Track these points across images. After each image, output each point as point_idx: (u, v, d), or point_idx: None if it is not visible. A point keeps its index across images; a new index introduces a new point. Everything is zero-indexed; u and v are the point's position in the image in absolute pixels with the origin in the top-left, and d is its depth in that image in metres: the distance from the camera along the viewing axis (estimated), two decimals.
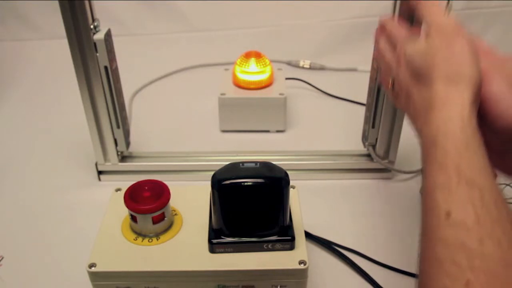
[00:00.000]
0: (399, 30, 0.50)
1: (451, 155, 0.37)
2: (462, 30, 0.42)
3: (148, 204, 0.47)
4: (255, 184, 0.44)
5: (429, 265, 0.35)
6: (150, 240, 0.48)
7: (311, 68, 1.07)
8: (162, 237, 0.48)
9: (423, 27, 0.45)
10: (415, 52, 0.44)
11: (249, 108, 0.82)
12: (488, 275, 0.32)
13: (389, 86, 0.50)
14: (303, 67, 1.07)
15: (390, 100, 0.52)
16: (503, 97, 0.40)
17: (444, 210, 0.35)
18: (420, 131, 0.42)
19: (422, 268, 0.36)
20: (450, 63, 0.41)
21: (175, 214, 0.51)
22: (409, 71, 0.45)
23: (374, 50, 0.55)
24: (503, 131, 0.41)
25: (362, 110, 0.72)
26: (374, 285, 0.55)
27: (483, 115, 0.41)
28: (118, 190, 0.55)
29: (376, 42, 0.53)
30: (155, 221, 0.48)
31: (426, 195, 0.38)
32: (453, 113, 0.39)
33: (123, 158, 0.72)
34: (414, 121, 0.44)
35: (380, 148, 0.70)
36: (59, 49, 0.78)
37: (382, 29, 0.53)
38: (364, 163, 0.72)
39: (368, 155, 0.72)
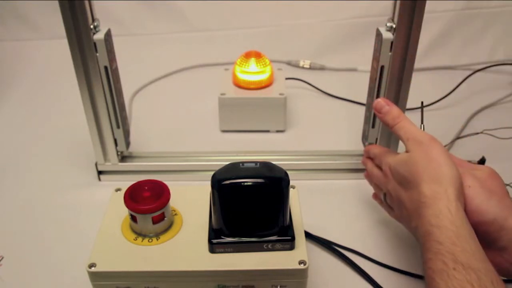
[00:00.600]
0: (381, 150, 0.59)
1: (445, 245, 0.41)
2: (436, 140, 0.50)
3: (148, 204, 0.47)
4: (255, 184, 0.44)
5: None
6: (150, 240, 0.48)
7: (311, 68, 1.07)
8: (162, 237, 0.48)
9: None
10: (399, 163, 0.51)
11: (249, 108, 0.82)
12: None
13: (382, 200, 0.57)
14: (303, 67, 1.07)
15: (387, 213, 0.59)
16: (477, 194, 0.47)
17: None
18: (415, 229, 0.47)
19: None
20: (431, 167, 0.47)
21: (175, 214, 0.51)
22: (397, 180, 0.52)
23: (364, 171, 0.63)
24: (477, 224, 0.46)
25: (362, 110, 0.72)
26: (374, 285, 0.55)
27: None
28: (118, 190, 0.55)
29: (364, 165, 0.62)
30: (155, 221, 0.48)
31: (427, 281, 0.42)
32: (441, 207, 0.44)
33: (123, 158, 0.72)
34: (409, 223, 0.50)
35: None
36: (59, 49, 0.78)
37: (366, 154, 0.62)
38: None
39: None
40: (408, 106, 0.66)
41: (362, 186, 0.71)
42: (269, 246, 0.47)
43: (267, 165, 0.46)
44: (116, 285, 0.46)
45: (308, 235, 0.59)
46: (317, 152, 0.74)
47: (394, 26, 0.60)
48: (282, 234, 0.47)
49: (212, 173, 0.45)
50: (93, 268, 0.45)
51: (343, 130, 0.85)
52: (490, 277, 0.39)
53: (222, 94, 0.81)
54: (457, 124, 0.84)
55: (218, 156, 0.73)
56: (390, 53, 0.61)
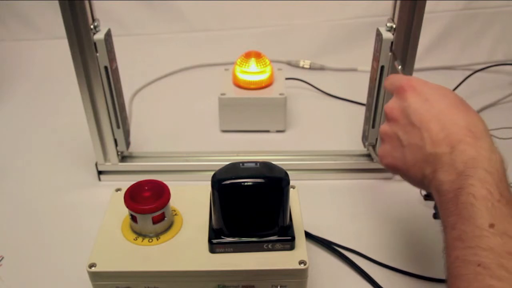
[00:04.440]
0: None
1: (494, 176, 0.38)
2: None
3: (148, 204, 0.47)
4: (255, 184, 0.44)
5: (469, 270, 0.35)
6: (150, 240, 0.48)
7: (311, 68, 1.07)
8: (162, 237, 0.48)
9: None
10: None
11: (249, 108, 0.82)
12: None
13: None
14: (303, 67, 1.07)
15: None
16: None
17: (488, 221, 0.36)
18: (439, 167, 0.42)
19: (457, 273, 0.36)
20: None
21: (175, 214, 0.51)
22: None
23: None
24: None
25: (362, 110, 0.72)
26: (374, 285, 0.55)
27: None
28: (118, 190, 0.55)
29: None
30: (155, 221, 0.48)
31: (465, 205, 0.38)
32: (490, 143, 0.41)
33: (123, 158, 0.72)
34: (424, 167, 0.44)
35: None
36: (59, 49, 0.78)
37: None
38: (364, 163, 0.72)
39: (368, 155, 0.72)
40: None
41: (362, 186, 0.71)
42: (269, 246, 0.47)
43: (267, 165, 0.46)
44: (116, 285, 0.46)
45: (308, 235, 0.59)
46: (317, 152, 0.74)
47: (394, 26, 0.60)
48: (282, 234, 0.47)
49: (212, 173, 0.45)
50: (93, 268, 0.45)
51: (343, 130, 0.85)
52: None
53: (222, 94, 0.81)
54: None
55: (218, 156, 0.73)
56: (390, 53, 0.62)
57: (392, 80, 0.51)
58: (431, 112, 0.44)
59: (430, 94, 0.46)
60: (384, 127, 0.50)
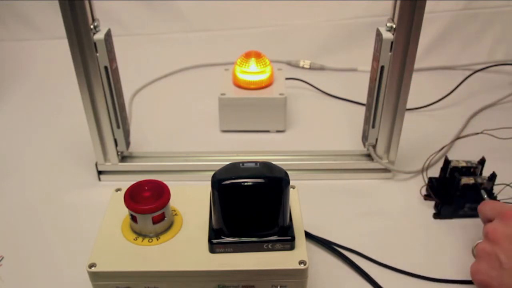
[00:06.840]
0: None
1: None
2: None
3: (148, 204, 0.47)
4: (255, 184, 0.44)
5: None
6: (150, 240, 0.48)
7: (311, 68, 1.07)
8: (162, 237, 0.48)
9: None
10: None
11: (249, 108, 0.82)
12: None
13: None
14: (303, 67, 1.07)
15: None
16: None
17: None
18: None
19: None
20: None
21: (175, 214, 0.51)
22: None
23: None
24: None
25: (362, 110, 0.72)
26: (374, 285, 0.55)
27: None
28: (118, 190, 0.55)
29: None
30: (155, 221, 0.48)
31: None
32: None
33: (123, 158, 0.72)
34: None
35: (380, 148, 0.70)
36: (59, 49, 0.78)
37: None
38: (364, 163, 0.72)
39: (368, 155, 0.72)
40: (408, 106, 0.66)
41: (362, 186, 0.71)
42: (269, 246, 0.47)
43: (267, 165, 0.46)
44: (116, 285, 0.46)
45: (308, 235, 0.59)
46: (317, 152, 0.74)
47: (394, 26, 0.60)
48: (282, 234, 0.47)
49: (212, 173, 0.45)
50: (93, 268, 0.45)
51: (343, 130, 0.85)
52: None
53: (222, 94, 0.81)
54: (457, 124, 0.84)
55: (218, 156, 0.73)
56: (390, 53, 0.62)
57: (494, 205, 0.54)
58: None
59: None
60: (484, 245, 0.51)
